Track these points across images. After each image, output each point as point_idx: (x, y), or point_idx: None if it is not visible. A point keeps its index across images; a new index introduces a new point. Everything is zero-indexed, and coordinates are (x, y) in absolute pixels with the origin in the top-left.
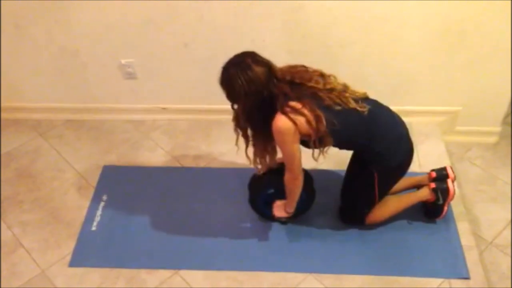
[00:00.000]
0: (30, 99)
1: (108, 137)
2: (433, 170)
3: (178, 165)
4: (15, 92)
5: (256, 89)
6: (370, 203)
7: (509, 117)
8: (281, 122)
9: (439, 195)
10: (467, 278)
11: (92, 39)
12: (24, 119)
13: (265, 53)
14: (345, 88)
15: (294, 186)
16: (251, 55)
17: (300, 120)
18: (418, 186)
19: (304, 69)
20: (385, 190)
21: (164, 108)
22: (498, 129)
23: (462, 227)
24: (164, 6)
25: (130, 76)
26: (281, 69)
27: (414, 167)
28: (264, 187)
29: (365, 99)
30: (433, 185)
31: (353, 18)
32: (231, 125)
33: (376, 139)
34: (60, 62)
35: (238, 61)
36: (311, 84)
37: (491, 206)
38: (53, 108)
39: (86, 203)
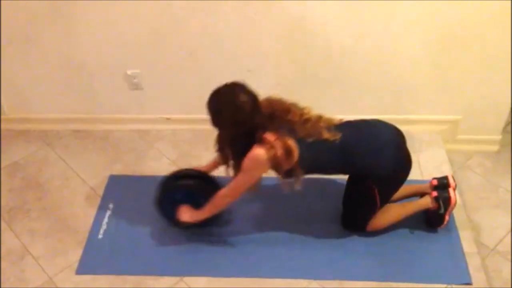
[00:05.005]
0: (38, 109)
1: (114, 147)
2: (434, 178)
3: None
4: (23, 102)
5: (241, 119)
6: (372, 212)
7: (509, 126)
8: (256, 151)
9: (441, 203)
10: (470, 284)
11: (98, 51)
12: (32, 130)
13: (268, 63)
14: (319, 118)
15: (224, 204)
16: (240, 86)
17: (273, 152)
18: (420, 194)
19: (281, 102)
20: (386, 198)
21: (168, 119)
22: (498, 137)
23: (464, 234)
24: (169, 18)
25: (136, 87)
26: (262, 102)
27: (416, 175)
28: (176, 191)
29: (340, 125)
30: (435, 193)
31: (354, 28)
32: None
33: (356, 159)
34: (68, 73)
35: (227, 90)
36: (289, 117)
37: (493, 213)
38: (60, 118)
39: (93, 212)
